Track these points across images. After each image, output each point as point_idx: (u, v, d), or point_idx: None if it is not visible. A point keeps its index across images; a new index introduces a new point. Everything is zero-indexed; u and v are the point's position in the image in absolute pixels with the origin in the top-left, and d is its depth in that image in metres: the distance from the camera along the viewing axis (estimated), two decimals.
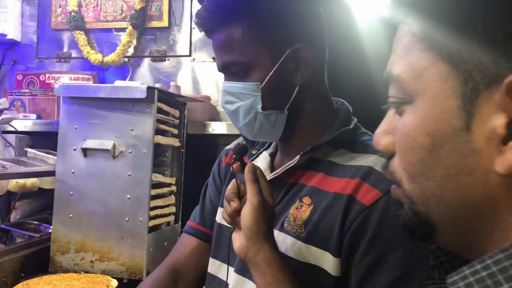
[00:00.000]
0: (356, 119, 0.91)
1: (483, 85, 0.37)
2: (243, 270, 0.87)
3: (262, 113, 0.84)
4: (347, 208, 0.76)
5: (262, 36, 0.81)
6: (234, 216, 0.75)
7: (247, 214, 0.72)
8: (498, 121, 0.37)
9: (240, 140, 1.01)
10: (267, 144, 0.98)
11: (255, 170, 0.75)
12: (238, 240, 0.74)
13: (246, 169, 0.75)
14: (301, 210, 0.82)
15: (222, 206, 0.96)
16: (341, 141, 0.85)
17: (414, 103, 0.42)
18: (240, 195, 0.75)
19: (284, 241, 0.82)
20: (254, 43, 0.82)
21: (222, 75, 0.90)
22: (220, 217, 0.99)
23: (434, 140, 0.40)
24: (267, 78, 0.82)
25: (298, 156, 0.85)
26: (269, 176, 0.88)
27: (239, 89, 0.84)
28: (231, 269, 0.90)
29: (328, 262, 0.76)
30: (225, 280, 0.89)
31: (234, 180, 0.76)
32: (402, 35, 0.45)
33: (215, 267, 0.97)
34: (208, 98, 2.29)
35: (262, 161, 0.95)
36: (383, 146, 0.47)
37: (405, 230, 0.47)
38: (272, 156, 0.95)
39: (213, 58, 2.30)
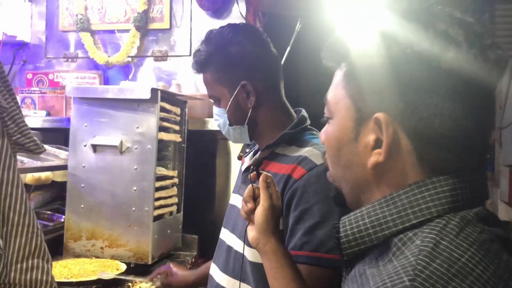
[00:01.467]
0: (309, 122, 1.23)
1: (366, 115, 0.62)
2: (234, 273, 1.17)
3: (231, 128, 1.24)
4: (286, 182, 1.09)
5: (222, 79, 1.21)
6: (250, 214, 0.96)
7: (259, 213, 0.93)
8: (371, 138, 0.62)
9: (257, 155, 1.31)
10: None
11: (267, 179, 0.95)
12: (251, 233, 0.95)
13: (261, 178, 0.94)
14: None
15: (236, 192, 1.28)
16: (292, 139, 1.17)
17: (333, 119, 0.68)
18: (255, 198, 0.96)
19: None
20: (218, 84, 1.22)
21: None
22: (234, 199, 1.28)
23: (339, 144, 0.67)
24: (228, 105, 1.21)
25: (265, 150, 1.21)
26: (246, 165, 1.25)
27: (217, 111, 1.26)
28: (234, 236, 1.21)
29: None
30: (233, 247, 1.19)
31: (250, 185, 0.96)
32: (336, 73, 0.69)
33: (225, 234, 1.26)
34: (207, 96, 2.44)
35: (250, 156, 1.30)
36: (322, 141, 0.73)
37: (334, 199, 0.73)
38: (256, 152, 1.29)
39: None
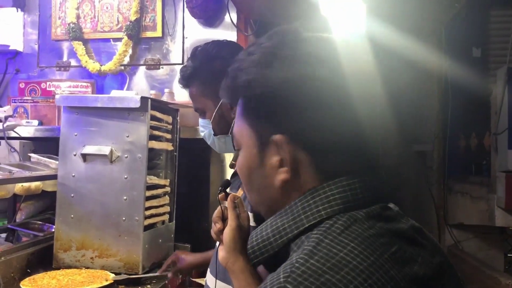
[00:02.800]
0: None
1: (266, 139, 0.67)
2: (226, 279, 1.16)
3: (216, 137, 1.32)
4: None
5: (206, 92, 1.30)
6: (219, 234, 0.96)
7: (226, 233, 0.92)
8: (274, 159, 0.67)
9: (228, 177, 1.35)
10: None
11: (235, 199, 0.95)
12: (221, 252, 0.97)
13: (228, 199, 0.94)
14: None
15: None
16: None
17: (241, 150, 0.73)
18: (224, 218, 0.96)
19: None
20: (203, 97, 1.31)
21: None
22: None
23: (249, 171, 0.71)
24: (213, 116, 1.30)
25: None
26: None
27: (202, 123, 1.35)
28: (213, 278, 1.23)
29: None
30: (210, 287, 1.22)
31: (219, 206, 0.99)
32: (237, 108, 0.73)
33: (207, 276, 1.30)
34: (193, 109, 2.43)
35: None
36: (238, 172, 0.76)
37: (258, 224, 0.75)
38: None
39: None
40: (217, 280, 1.22)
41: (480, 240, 3.80)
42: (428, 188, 4.09)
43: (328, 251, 0.56)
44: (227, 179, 1.02)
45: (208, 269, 1.31)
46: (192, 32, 2.55)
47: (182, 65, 1.35)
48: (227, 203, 0.94)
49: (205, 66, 1.29)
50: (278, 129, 0.66)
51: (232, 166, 1.39)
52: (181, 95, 2.52)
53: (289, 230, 0.65)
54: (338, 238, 0.58)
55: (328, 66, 0.65)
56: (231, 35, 2.42)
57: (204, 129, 1.34)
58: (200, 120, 1.35)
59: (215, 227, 0.95)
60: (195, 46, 1.33)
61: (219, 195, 0.97)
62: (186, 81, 1.32)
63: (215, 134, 1.31)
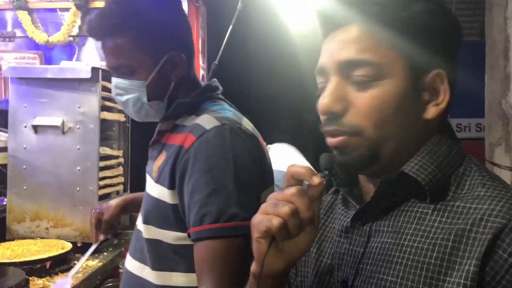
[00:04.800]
0: (218, 92, 1.15)
1: (425, 71, 0.66)
2: (142, 258, 1.07)
3: (147, 103, 1.09)
4: (178, 154, 1.00)
5: (143, 46, 1.05)
6: (297, 229, 0.60)
7: (310, 239, 0.62)
8: (429, 91, 0.67)
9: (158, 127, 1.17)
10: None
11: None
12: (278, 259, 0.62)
13: (319, 187, 0.62)
14: (159, 160, 1.08)
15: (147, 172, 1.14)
16: (193, 108, 1.09)
17: (386, 80, 0.65)
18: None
19: (149, 182, 1.10)
20: (138, 52, 1.06)
21: None
22: (147, 182, 1.13)
23: (399, 103, 0.65)
24: (150, 77, 1.06)
25: (165, 123, 1.11)
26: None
27: (127, 85, 1.08)
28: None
29: (164, 194, 1.02)
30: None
31: (311, 191, 0.62)
32: (365, 34, 0.66)
33: (138, 219, 1.14)
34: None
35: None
36: (339, 109, 0.66)
37: (350, 166, 0.68)
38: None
39: None
40: (133, 259, 1.11)
41: None
42: None
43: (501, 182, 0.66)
44: (333, 155, 0.67)
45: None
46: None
47: (100, 10, 1.07)
48: (321, 193, 0.62)
49: (142, 15, 1.05)
50: (436, 63, 0.66)
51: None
52: None
53: (450, 165, 0.67)
54: (494, 176, 0.68)
55: None
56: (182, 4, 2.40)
57: (128, 93, 1.08)
58: (122, 81, 1.08)
59: (299, 216, 0.59)
60: None
61: (318, 180, 0.61)
62: (110, 30, 1.05)
63: (148, 100, 1.08)
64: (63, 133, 1.85)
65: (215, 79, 1.19)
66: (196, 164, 0.97)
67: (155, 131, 1.16)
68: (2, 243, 1.77)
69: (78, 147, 1.86)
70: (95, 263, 1.73)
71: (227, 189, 0.95)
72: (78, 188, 1.85)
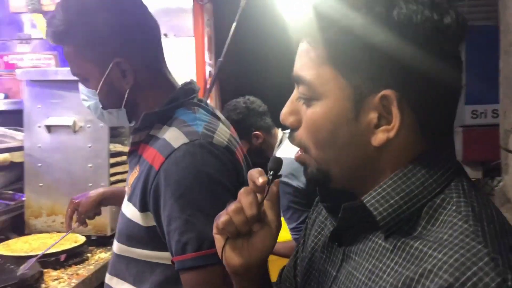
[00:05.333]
0: (194, 95, 1.07)
1: (367, 93, 0.59)
2: (119, 274, 1.06)
3: (105, 111, 1.07)
4: (148, 175, 0.96)
5: (88, 55, 1.02)
6: (245, 227, 0.64)
7: (268, 237, 0.65)
8: (373, 115, 0.59)
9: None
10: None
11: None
12: (237, 259, 0.66)
13: (274, 188, 0.66)
14: (133, 175, 1.04)
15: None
16: (166, 117, 1.02)
17: (321, 100, 0.61)
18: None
19: (125, 197, 1.06)
20: (84, 61, 1.03)
21: (174, 50, 1.12)
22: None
23: (334, 126, 0.61)
24: (99, 86, 1.03)
25: (138, 134, 1.05)
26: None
27: (86, 92, 1.08)
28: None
29: (137, 216, 0.98)
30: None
31: (252, 191, 0.65)
32: (308, 49, 0.62)
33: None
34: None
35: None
36: (290, 123, 0.65)
37: (310, 182, 0.66)
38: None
39: (165, 35, 2.49)
40: (109, 274, 1.09)
41: None
42: None
43: (488, 215, 0.57)
44: (279, 158, 0.69)
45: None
46: (150, 2, 2.58)
47: (50, 16, 1.02)
48: (272, 193, 0.65)
49: (84, 21, 0.99)
50: (385, 82, 0.58)
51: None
52: None
53: (421, 196, 0.59)
54: (478, 198, 0.59)
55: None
56: (187, 2, 2.44)
57: (89, 99, 1.08)
58: (82, 87, 1.08)
59: (243, 214, 0.63)
60: None
61: (262, 180, 0.64)
62: (58, 39, 1.02)
63: (104, 108, 1.06)
64: (75, 132, 1.94)
65: (191, 80, 1.12)
66: (168, 189, 0.91)
67: (130, 142, 1.11)
68: (21, 237, 1.87)
69: (89, 145, 1.94)
70: (107, 255, 1.82)
71: (204, 212, 0.89)
72: (90, 184, 1.94)
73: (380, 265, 0.60)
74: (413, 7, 0.57)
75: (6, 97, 2.54)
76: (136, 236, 1.00)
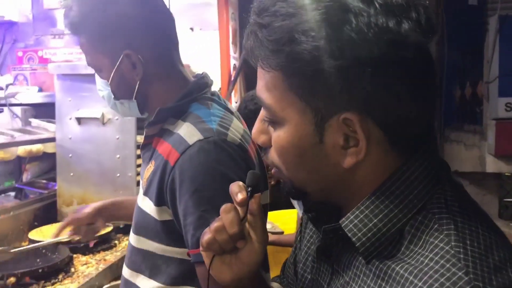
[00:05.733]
0: (207, 89, 1.08)
1: (328, 115, 0.56)
2: (135, 267, 1.07)
3: (117, 102, 1.10)
4: (164, 170, 0.97)
5: (100, 46, 1.05)
6: (229, 244, 0.64)
7: (255, 251, 0.64)
8: (339, 137, 0.57)
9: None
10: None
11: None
12: (228, 274, 0.65)
13: (255, 202, 0.65)
14: (148, 169, 1.05)
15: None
16: (180, 112, 1.03)
17: (284, 125, 0.59)
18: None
19: (140, 191, 1.08)
20: (96, 52, 1.06)
21: (199, 43, 1.15)
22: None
23: (299, 150, 0.59)
24: (111, 77, 1.05)
25: (152, 128, 1.07)
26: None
27: (100, 82, 1.11)
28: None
29: (152, 209, 1.00)
30: None
31: (233, 208, 0.65)
32: (263, 72, 0.59)
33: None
34: (188, 66, 2.55)
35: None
36: (261, 143, 0.64)
37: (287, 194, 0.66)
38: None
39: (191, 29, 2.54)
40: (126, 267, 1.10)
41: (476, 187, 3.93)
42: None
43: (472, 230, 0.55)
44: (257, 173, 0.69)
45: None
46: None
47: (67, 6, 1.06)
48: (252, 209, 0.64)
49: (97, 14, 1.02)
50: (345, 104, 0.55)
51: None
52: None
53: (402, 215, 0.57)
54: (468, 211, 0.57)
55: (408, 25, 0.53)
56: None
57: (103, 89, 1.10)
58: (97, 78, 1.11)
59: (225, 232, 0.63)
60: None
61: (241, 196, 0.64)
62: (73, 29, 1.06)
63: (116, 98, 1.08)
64: (103, 124, 2.01)
65: (204, 72, 1.12)
66: (183, 185, 0.94)
67: (144, 135, 1.12)
68: (54, 224, 1.97)
69: (117, 137, 2.01)
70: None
71: (217, 208, 0.88)
72: (118, 174, 2.01)
73: (365, 287, 0.59)
74: (365, 19, 0.52)
75: (40, 90, 2.64)
76: (152, 229, 1.02)
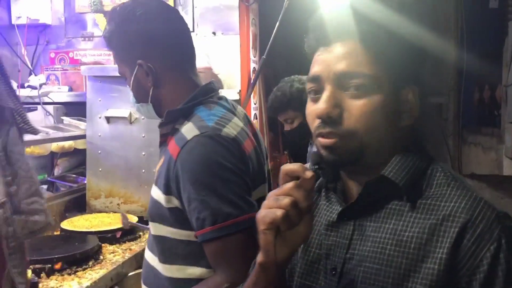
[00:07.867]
0: (213, 95, 1.23)
1: (401, 89, 0.78)
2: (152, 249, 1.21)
3: (138, 105, 1.28)
4: (169, 164, 1.11)
5: (123, 57, 1.25)
6: (288, 222, 0.68)
7: (305, 232, 0.70)
8: (404, 106, 0.78)
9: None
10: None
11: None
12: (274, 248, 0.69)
13: (311, 181, 0.69)
14: (159, 162, 1.21)
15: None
16: (188, 113, 1.19)
17: (374, 91, 0.75)
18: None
19: (153, 184, 1.21)
20: (121, 62, 1.26)
21: (221, 47, 1.53)
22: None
23: (383, 113, 0.75)
24: (131, 84, 1.24)
25: (165, 127, 1.24)
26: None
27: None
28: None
29: (161, 197, 1.13)
30: None
31: (303, 184, 0.68)
32: (360, 48, 0.75)
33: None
34: (210, 69, 2.67)
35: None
36: (336, 115, 0.75)
37: (336, 163, 0.78)
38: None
39: (213, 33, 2.65)
40: (147, 249, 1.24)
41: (493, 190, 3.93)
42: (444, 140, 4.18)
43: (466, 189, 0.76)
44: (319, 153, 0.77)
45: None
46: (201, 2, 2.72)
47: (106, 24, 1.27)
48: (312, 184, 0.68)
49: (119, 30, 1.21)
50: (412, 80, 0.79)
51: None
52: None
53: (419, 168, 0.78)
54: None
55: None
56: (234, 1, 2.56)
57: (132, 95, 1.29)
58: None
59: (297, 207, 0.67)
60: (114, 6, 1.25)
61: (310, 174, 0.68)
62: (107, 44, 1.26)
63: (136, 102, 1.27)
64: (130, 123, 2.15)
65: (213, 80, 1.30)
66: (184, 175, 1.07)
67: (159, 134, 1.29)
68: (83, 215, 2.11)
69: (143, 135, 2.14)
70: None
71: (216, 192, 1.05)
72: (143, 170, 2.15)
73: (401, 222, 0.75)
74: None
75: (70, 89, 2.80)
76: (162, 215, 1.15)
